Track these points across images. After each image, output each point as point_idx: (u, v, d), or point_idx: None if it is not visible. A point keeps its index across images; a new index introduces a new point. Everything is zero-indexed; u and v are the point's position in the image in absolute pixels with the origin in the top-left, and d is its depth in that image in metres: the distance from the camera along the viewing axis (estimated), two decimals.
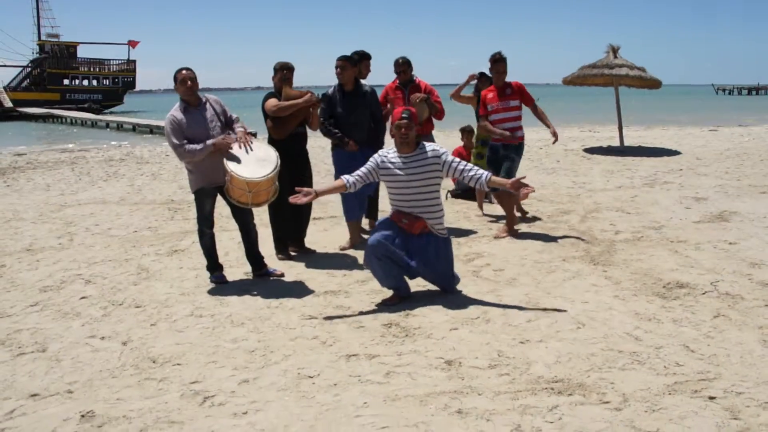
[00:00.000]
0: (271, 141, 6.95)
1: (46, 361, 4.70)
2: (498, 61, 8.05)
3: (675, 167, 14.08)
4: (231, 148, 6.08)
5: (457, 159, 5.68)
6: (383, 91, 8.37)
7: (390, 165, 5.69)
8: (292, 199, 5.55)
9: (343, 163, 7.33)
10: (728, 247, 7.27)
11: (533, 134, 23.63)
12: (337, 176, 7.34)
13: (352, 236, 7.81)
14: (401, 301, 5.75)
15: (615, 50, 17.69)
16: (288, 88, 6.96)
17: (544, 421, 3.63)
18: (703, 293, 5.77)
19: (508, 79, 8.13)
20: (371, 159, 5.81)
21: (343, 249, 7.66)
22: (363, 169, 5.79)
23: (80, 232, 8.92)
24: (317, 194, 5.63)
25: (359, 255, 7.25)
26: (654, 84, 17.55)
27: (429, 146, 5.70)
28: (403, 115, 5.64)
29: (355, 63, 7.54)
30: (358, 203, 7.66)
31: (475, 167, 5.68)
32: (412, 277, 5.90)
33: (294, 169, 6.95)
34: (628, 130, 21.52)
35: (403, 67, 8.19)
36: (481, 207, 9.74)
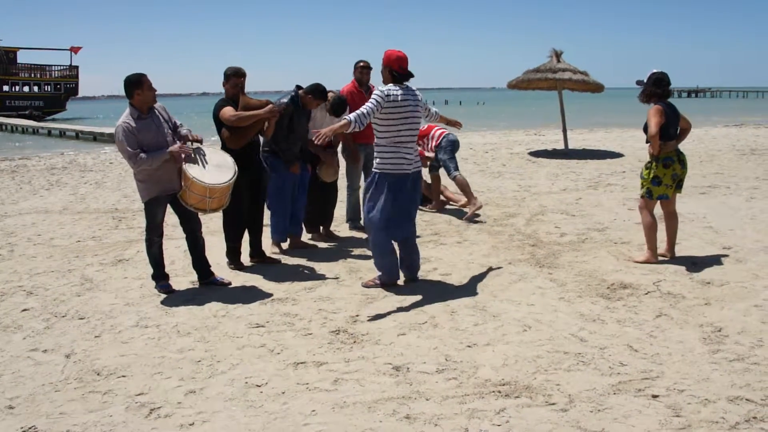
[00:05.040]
0: (225, 150, 6.66)
1: None
2: (364, 68, 8.64)
3: (618, 169, 14.34)
4: (188, 156, 6.03)
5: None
6: (347, 94, 8.22)
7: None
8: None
9: (278, 184, 7.36)
10: None
11: (479, 138, 23.88)
12: (272, 198, 7.41)
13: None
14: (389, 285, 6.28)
15: (558, 55, 17.91)
16: (245, 96, 6.77)
17: (491, 425, 3.67)
18: (646, 293, 5.89)
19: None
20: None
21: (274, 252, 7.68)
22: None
23: (21, 242, 8.70)
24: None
25: (306, 262, 7.24)
26: (597, 88, 17.84)
27: None
28: None
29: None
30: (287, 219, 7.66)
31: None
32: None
33: (250, 177, 6.83)
34: (572, 133, 21.88)
35: (365, 70, 8.59)
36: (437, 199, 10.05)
